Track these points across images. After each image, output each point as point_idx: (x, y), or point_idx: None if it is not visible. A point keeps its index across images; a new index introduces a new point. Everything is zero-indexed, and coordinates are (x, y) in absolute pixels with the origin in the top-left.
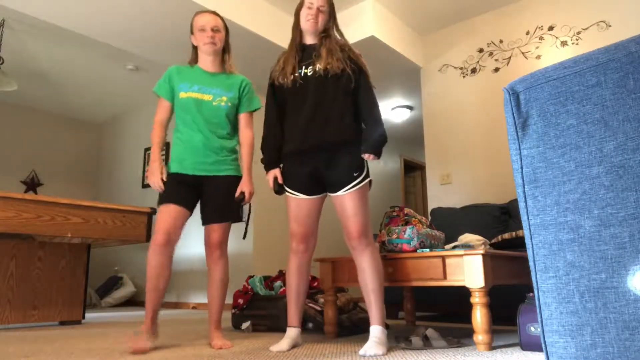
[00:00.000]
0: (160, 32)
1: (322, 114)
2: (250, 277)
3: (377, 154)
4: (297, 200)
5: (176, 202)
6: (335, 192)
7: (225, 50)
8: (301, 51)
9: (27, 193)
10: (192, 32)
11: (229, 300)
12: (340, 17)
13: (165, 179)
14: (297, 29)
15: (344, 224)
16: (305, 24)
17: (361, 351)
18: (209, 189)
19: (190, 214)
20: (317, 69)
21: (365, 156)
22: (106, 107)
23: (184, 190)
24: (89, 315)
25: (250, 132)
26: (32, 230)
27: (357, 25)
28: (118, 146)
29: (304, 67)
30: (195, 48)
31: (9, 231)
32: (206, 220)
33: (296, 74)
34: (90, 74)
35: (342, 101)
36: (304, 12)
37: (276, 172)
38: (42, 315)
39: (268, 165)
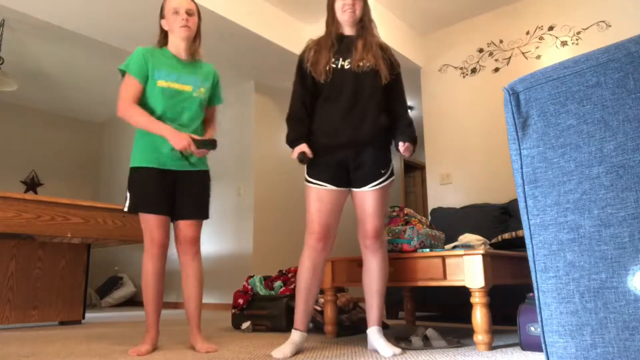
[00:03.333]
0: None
1: (358, 110)
2: (250, 277)
3: (414, 148)
4: (322, 192)
5: (160, 212)
6: (360, 187)
7: (196, 35)
8: (338, 42)
9: (27, 193)
10: (162, 16)
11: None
12: None
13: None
14: (332, 23)
15: (361, 221)
16: (343, 15)
17: (386, 353)
18: (184, 184)
19: (172, 215)
20: (355, 64)
21: (403, 146)
22: (106, 107)
23: (162, 192)
24: (89, 315)
25: (215, 127)
26: (32, 230)
27: None
28: (118, 146)
29: (340, 60)
30: (163, 32)
31: (9, 231)
32: (181, 216)
33: (332, 65)
34: (90, 74)
35: (380, 100)
36: (338, 4)
37: (303, 146)
38: (42, 315)
39: (296, 140)
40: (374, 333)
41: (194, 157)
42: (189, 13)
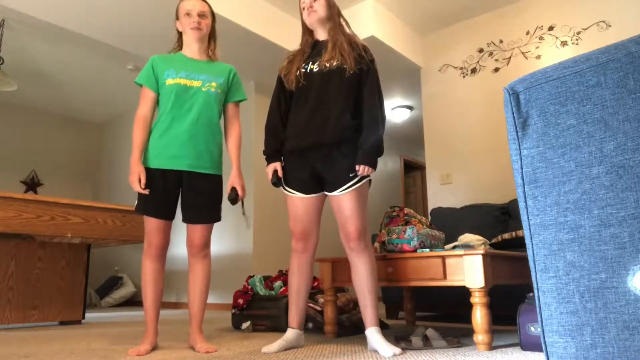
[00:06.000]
0: (160, 32)
1: (322, 112)
2: (250, 277)
3: (372, 165)
4: (295, 199)
5: (160, 216)
6: (332, 191)
7: (211, 37)
8: (312, 48)
9: (27, 193)
10: (177, 18)
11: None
12: None
13: (144, 187)
14: (304, 33)
15: (341, 224)
16: (307, 19)
17: (386, 353)
18: (192, 187)
19: (174, 218)
20: (322, 65)
21: (359, 169)
22: (106, 107)
23: (164, 195)
24: (89, 315)
25: (238, 124)
26: (32, 230)
27: (357, 25)
28: (118, 146)
29: (310, 63)
30: (179, 35)
31: (9, 231)
32: (188, 219)
33: (301, 70)
34: (90, 74)
35: (344, 99)
36: (303, 13)
37: (277, 165)
38: (42, 315)
39: (269, 158)
40: (372, 334)
41: (204, 159)
42: (200, 15)
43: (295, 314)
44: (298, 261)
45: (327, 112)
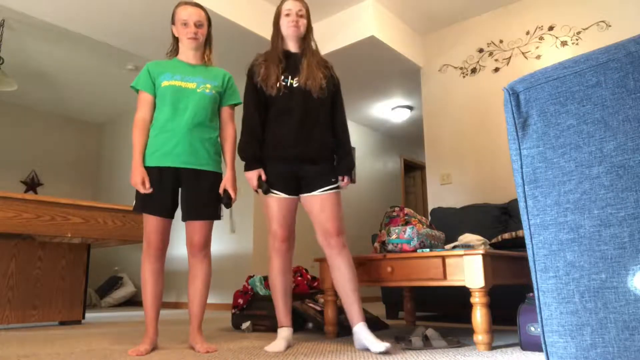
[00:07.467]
0: (160, 32)
1: (307, 129)
2: (250, 277)
3: (351, 177)
4: (280, 200)
5: (159, 214)
6: (311, 191)
7: (206, 43)
8: (285, 59)
9: (27, 193)
10: (172, 23)
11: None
12: (340, 17)
13: (148, 188)
14: (277, 38)
15: (321, 223)
16: (287, 30)
17: (377, 348)
18: (190, 185)
19: (173, 217)
20: (302, 82)
21: (342, 180)
22: (106, 107)
23: (163, 193)
24: (89, 315)
25: (233, 127)
26: (32, 230)
27: (357, 25)
28: (118, 146)
29: (290, 77)
30: (175, 38)
31: (9, 231)
32: (187, 217)
33: (281, 83)
34: (90, 74)
35: (324, 118)
36: (283, 21)
37: (260, 171)
38: (42, 315)
39: (251, 163)
40: (362, 329)
41: (201, 156)
42: (197, 25)
43: (286, 313)
44: (283, 261)
45: (312, 131)
